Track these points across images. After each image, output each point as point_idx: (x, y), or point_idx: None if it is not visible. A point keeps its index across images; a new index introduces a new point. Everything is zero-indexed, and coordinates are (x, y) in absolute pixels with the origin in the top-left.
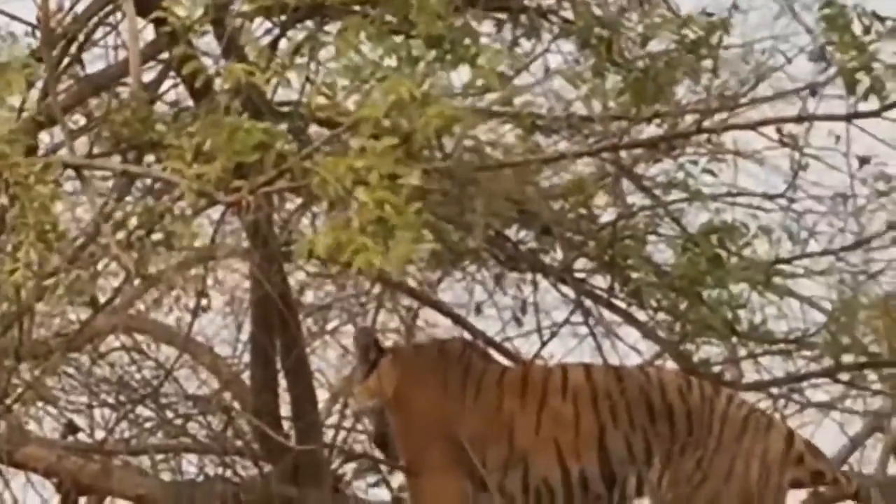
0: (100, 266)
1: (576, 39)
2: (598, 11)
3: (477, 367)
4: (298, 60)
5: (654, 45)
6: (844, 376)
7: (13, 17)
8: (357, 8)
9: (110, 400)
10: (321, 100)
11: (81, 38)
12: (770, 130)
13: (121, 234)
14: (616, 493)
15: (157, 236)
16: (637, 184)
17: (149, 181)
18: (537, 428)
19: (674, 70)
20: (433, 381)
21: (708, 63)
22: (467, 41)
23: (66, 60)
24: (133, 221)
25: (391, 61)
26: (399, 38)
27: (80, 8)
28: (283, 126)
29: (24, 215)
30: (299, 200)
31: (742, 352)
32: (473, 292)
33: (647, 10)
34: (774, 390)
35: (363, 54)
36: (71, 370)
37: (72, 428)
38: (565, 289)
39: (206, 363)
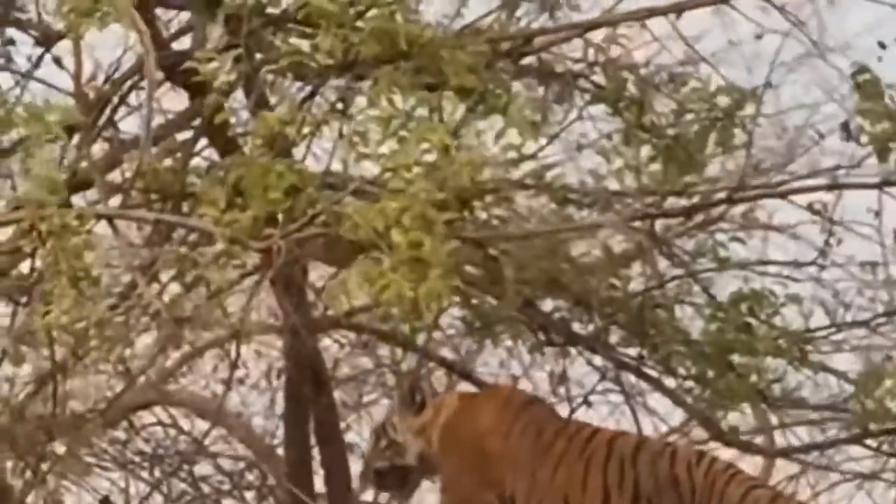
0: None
1: (606, 104)
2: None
3: (524, 417)
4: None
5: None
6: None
7: (50, 86)
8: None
9: (145, 475)
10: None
11: (115, 100)
12: (802, 199)
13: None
14: None
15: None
16: (668, 255)
17: (182, 233)
18: (551, 481)
19: (704, 139)
20: (480, 426)
21: (739, 134)
22: (498, 91)
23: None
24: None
25: (423, 111)
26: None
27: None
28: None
29: (58, 263)
30: (331, 270)
31: (774, 420)
32: (509, 364)
33: (679, 82)
34: (807, 458)
35: (395, 105)
36: (106, 445)
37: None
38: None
39: (240, 437)
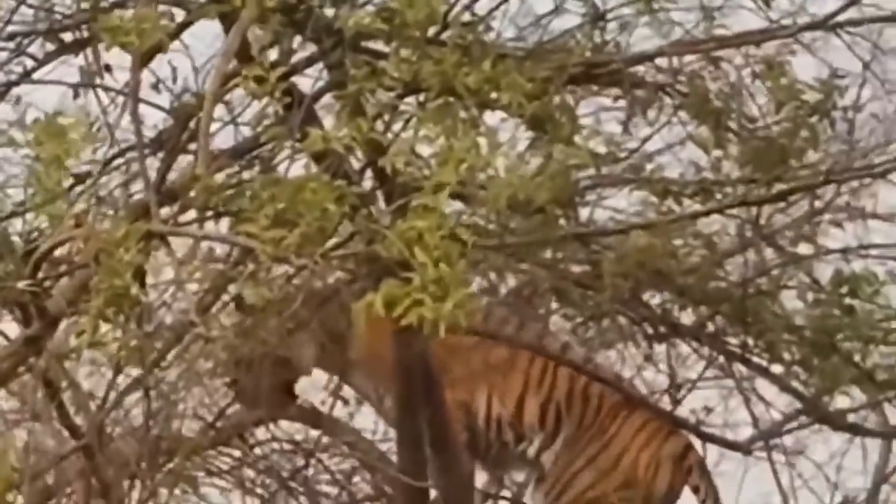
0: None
1: (690, 113)
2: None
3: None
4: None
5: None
6: None
7: (147, 103)
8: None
9: (259, 490)
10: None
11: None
12: None
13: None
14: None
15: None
16: (770, 242)
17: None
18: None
19: (795, 136)
20: None
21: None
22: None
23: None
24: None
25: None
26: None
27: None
28: None
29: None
30: None
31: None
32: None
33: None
34: None
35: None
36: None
37: None
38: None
39: (349, 442)
